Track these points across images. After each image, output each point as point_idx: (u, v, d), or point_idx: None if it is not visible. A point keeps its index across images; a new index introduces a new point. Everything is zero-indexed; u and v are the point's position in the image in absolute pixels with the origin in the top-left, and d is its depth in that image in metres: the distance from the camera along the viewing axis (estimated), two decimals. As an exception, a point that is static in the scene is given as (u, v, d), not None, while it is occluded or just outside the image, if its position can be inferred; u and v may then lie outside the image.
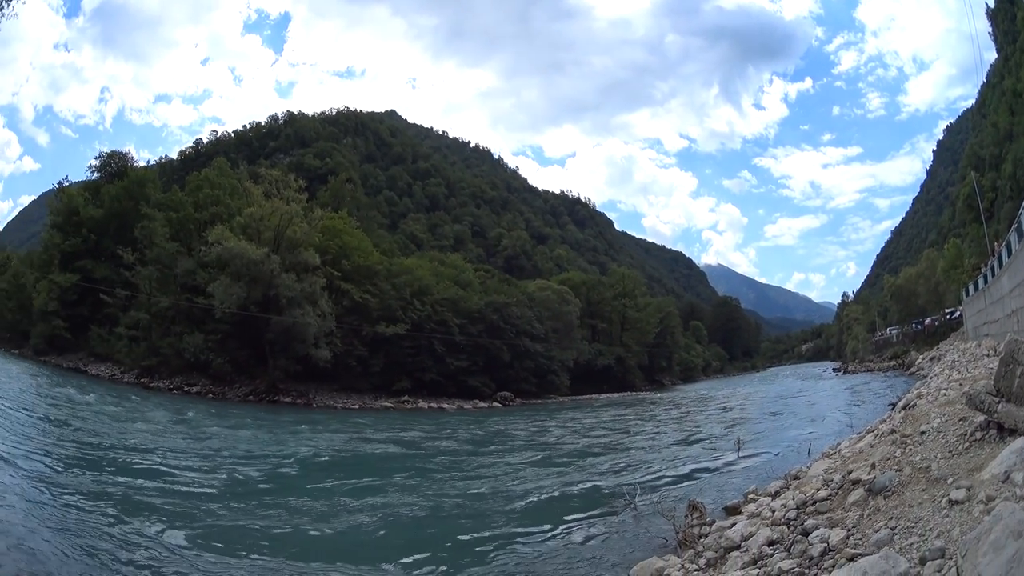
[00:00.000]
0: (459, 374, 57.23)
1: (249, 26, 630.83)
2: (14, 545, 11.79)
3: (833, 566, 7.83)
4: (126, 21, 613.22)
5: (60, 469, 19.09)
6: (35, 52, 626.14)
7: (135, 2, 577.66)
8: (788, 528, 10.22)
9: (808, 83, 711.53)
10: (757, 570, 8.96)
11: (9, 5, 16.39)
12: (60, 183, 76.68)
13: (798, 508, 11.01)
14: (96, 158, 72.51)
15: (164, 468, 20.86)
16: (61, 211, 66.45)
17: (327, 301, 53.01)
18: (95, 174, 71.12)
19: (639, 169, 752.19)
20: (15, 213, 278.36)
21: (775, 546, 9.69)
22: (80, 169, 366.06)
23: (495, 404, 56.65)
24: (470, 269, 77.91)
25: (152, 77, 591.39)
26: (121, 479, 18.70)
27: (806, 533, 9.34)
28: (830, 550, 8.38)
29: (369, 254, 61.55)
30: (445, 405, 53.52)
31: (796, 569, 8.32)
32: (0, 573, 10.69)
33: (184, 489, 18.19)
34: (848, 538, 8.48)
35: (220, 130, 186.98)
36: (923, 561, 6.71)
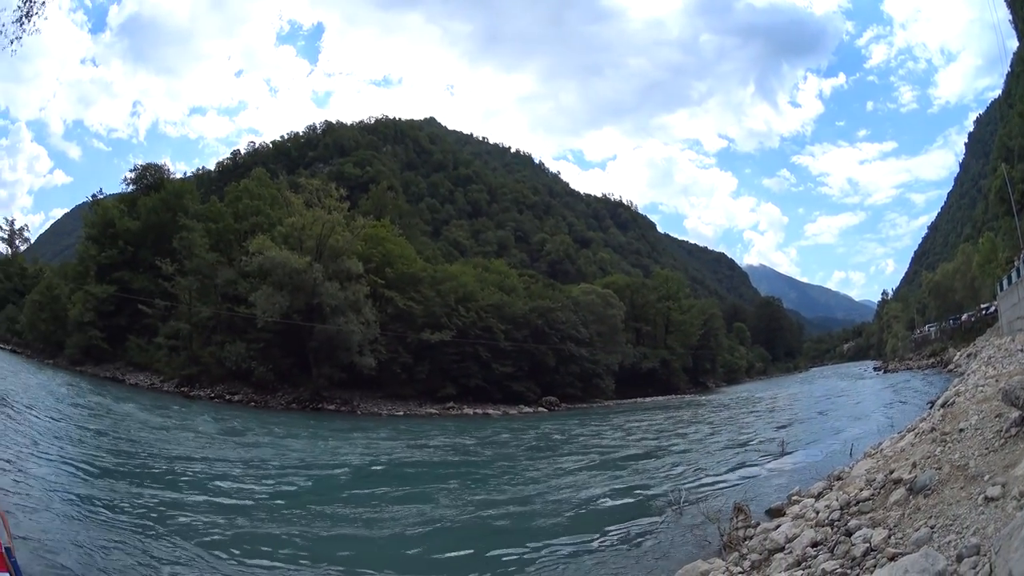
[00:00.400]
0: (504, 379, 57.50)
1: (282, 37, 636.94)
2: (56, 554, 12.22)
3: (875, 566, 7.91)
4: (155, 36, 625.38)
5: (105, 479, 19.74)
6: (61, 68, 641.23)
7: (163, 17, 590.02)
8: (832, 529, 10.31)
9: (842, 78, 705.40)
10: (801, 572, 9.09)
11: (30, 21, 16.16)
12: (94, 196, 78.32)
13: (841, 509, 11.08)
14: (131, 171, 73.85)
15: (210, 476, 21.51)
16: (96, 223, 67.69)
17: (371, 309, 53.54)
18: (130, 186, 72.48)
19: (679, 170, 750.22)
20: (47, 226, 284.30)
21: (819, 547, 9.77)
22: (114, 182, 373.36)
23: (540, 409, 56.91)
24: (514, 274, 78.54)
25: (185, 90, 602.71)
26: (166, 488, 19.31)
27: (849, 534, 9.44)
28: (872, 550, 8.47)
29: (413, 261, 62.15)
30: (490, 411, 53.88)
31: (839, 570, 8.40)
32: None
33: (228, 499, 18.62)
34: (889, 537, 8.57)
35: (258, 141, 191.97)
36: (960, 559, 6.80)
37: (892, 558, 7.70)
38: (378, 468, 25.23)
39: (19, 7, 15.91)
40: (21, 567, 9.40)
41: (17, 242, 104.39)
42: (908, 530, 8.49)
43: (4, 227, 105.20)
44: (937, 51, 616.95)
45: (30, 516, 14.42)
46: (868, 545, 8.60)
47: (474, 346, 56.63)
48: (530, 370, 59.47)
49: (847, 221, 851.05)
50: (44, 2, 16.19)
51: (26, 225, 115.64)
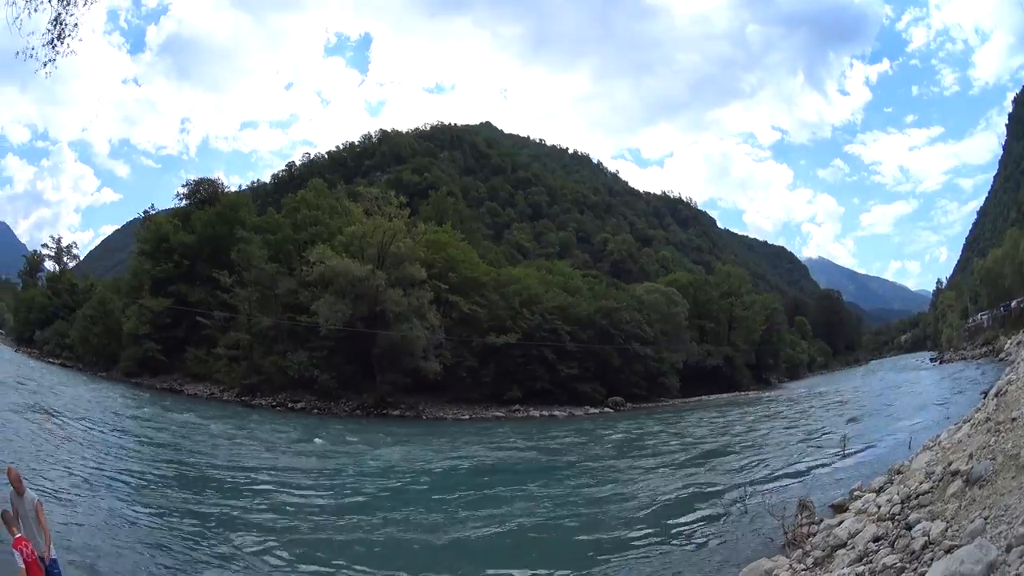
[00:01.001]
0: (570, 381, 58.10)
1: (330, 49, 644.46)
2: (111, 566, 13.17)
3: (932, 559, 8.13)
4: (198, 53, 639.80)
5: (171, 489, 20.84)
6: (101, 88, 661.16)
7: (205, 35, 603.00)
8: (892, 523, 10.61)
9: (886, 64, 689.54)
10: (862, 567, 9.35)
11: (62, 43, 16.01)
12: (146, 212, 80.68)
13: (902, 502, 11.42)
14: (183, 186, 76.15)
15: (280, 484, 22.59)
16: (150, 238, 69.99)
17: (435, 314, 54.61)
18: (183, 201, 74.52)
19: (736, 164, 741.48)
20: (96, 243, 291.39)
21: (880, 542, 10.07)
22: (165, 198, 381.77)
23: (606, 409, 57.60)
24: (578, 275, 79.36)
25: (234, 105, 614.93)
26: (234, 497, 20.40)
27: (909, 527, 9.71)
28: (931, 543, 8.70)
29: (476, 266, 63.11)
30: (556, 412, 54.64)
31: (899, 564, 8.69)
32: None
33: (301, 505, 19.58)
34: (947, 530, 8.79)
35: (312, 152, 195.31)
36: (1009, 548, 7.06)
37: (948, 551, 7.95)
38: (448, 472, 26.10)
39: (49, 29, 16.05)
40: None
41: (65, 259, 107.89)
42: (964, 522, 8.68)
43: (51, 245, 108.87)
44: (972, 31, 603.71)
45: (89, 528, 15.45)
46: (927, 538, 8.86)
47: (539, 348, 57.31)
48: (595, 371, 60.01)
49: (900, 210, 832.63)
50: (76, 24, 16.27)
51: (74, 243, 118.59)
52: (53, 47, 15.93)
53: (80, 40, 16.19)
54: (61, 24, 15.84)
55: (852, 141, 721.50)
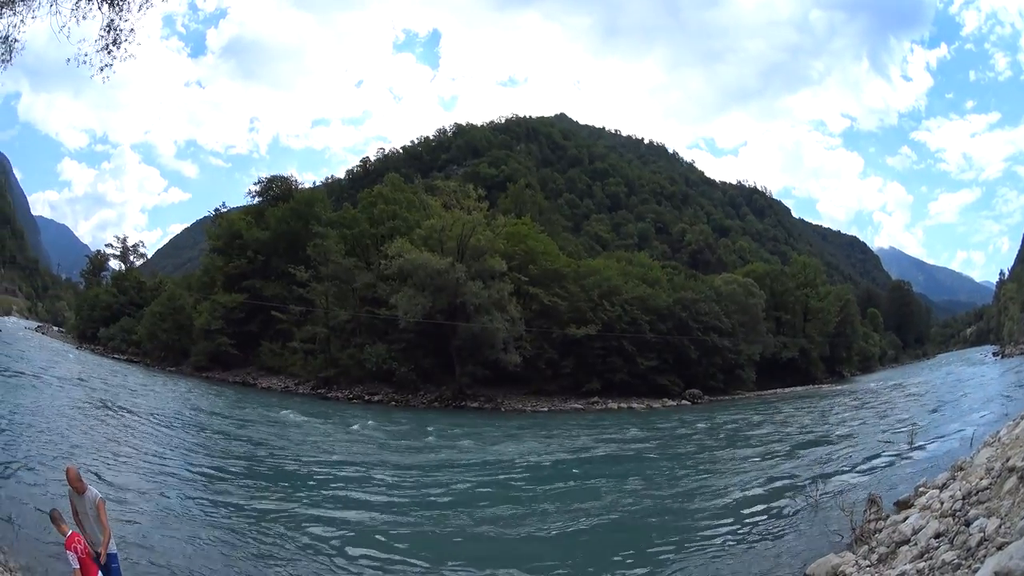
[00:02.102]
0: (648, 373, 58.73)
1: (399, 46, 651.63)
2: (181, 561, 13.97)
3: (986, 555, 8.41)
4: (262, 54, 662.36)
5: (252, 481, 22.27)
6: (163, 92, 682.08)
7: (268, 36, 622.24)
8: (953, 520, 10.86)
9: (944, 49, 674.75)
10: (923, 563, 9.72)
11: (118, 48, 17.02)
12: (216, 210, 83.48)
13: (963, 499, 11.68)
14: (255, 183, 78.99)
15: (367, 478, 23.44)
16: (222, 235, 72.93)
17: (516, 306, 55.52)
18: (256, 198, 77.42)
19: (808, 153, 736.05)
20: (164, 241, 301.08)
21: (940, 538, 10.36)
22: (235, 196, 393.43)
23: (683, 402, 58.25)
24: (657, 267, 79.64)
25: (304, 103, 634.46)
26: (323, 488, 21.61)
27: (968, 523, 9.98)
28: (985, 539, 8.99)
29: (555, 257, 63.96)
30: (635, 405, 55.43)
31: (956, 560, 8.99)
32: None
33: (386, 499, 20.39)
34: (1000, 527, 9.06)
35: (387, 147, 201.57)
36: None
37: (1000, 547, 8.23)
38: (529, 465, 26.75)
39: (102, 35, 16.87)
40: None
41: (132, 257, 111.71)
42: (1015, 519, 8.92)
43: (116, 244, 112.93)
44: (1017, 14, 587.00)
45: (159, 522, 16.36)
46: (982, 535, 9.13)
47: (619, 340, 57.99)
48: (673, 363, 60.59)
49: (965, 198, 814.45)
50: (133, 29, 17.18)
51: (141, 242, 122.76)
52: (109, 52, 16.98)
53: (139, 44, 17.33)
54: (115, 30, 16.92)
55: (917, 128, 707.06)
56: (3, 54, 17.02)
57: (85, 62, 16.98)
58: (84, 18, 16.56)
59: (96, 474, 18.91)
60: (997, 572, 7.31)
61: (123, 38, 17.02)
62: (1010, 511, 9.42)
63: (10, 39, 16.85)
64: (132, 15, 17.10)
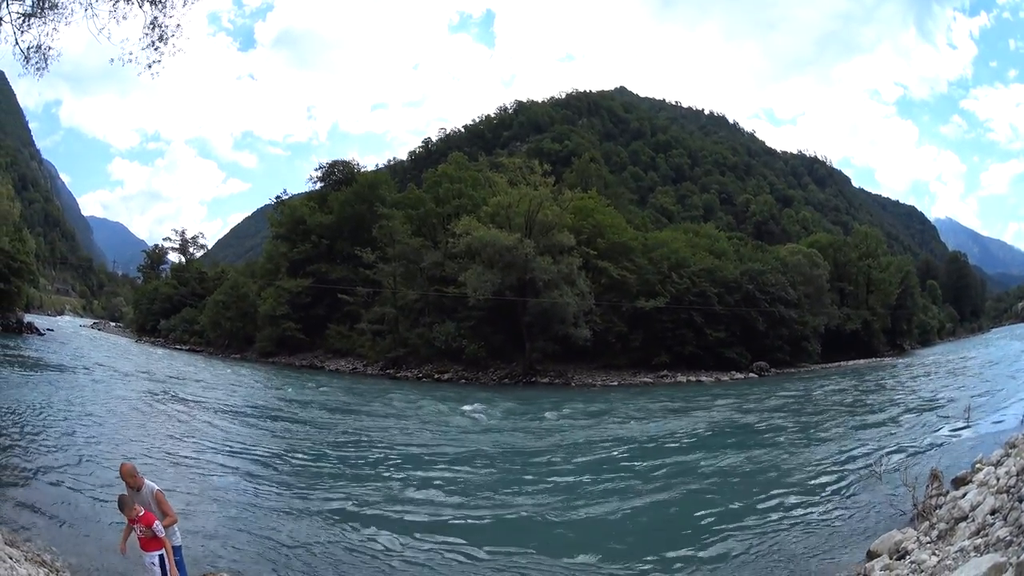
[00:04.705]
0: (717, 345, 58.72)
1: (454, 27, 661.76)
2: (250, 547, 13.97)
3: None
4: (314, 43, 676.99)
5: (336, 464, 22.21)
6: (214, 87, 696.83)
7: (319, 25, 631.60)
8: (1007, 496, 10.88)
9: (984, 17, 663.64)
10: (980, 540, 9.70)
11: (165, 44, 17.38)
12: (278, 197, 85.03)
13: (1017, 475, 11.73)
14: (317, 169, 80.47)
15: (453, 458, 23.31)
16: (285, 222, 74.44)
17: (585, 280, 55.87)
18: (317, 184, 78.85)
19: (864, 121, 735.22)
20: (225, 232, 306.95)
21: (996, 515, 10.36)
22: (296, 183, 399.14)
23: (751, 375, 58.32)
24: (724, 238, 79.66)
25: (361, 88, 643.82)
26: (410, 469, 21.36)
27: (1021, 500, 10.02)
28: None
29: (623, 230, 63.93)
30: (703, 378, 55.51)
31: (1008, 537, 8.97)
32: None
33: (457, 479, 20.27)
34: None
35: (448, 127, 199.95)
36: None
37: None
38: (588, 445, 26.33)
39: (146, 33, 17.24)
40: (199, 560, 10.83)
41: (192, 249, 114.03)
42: None
43: (174, 237, 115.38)
44: None
45: (221, 509, 16.36)
46: None
47: (688, 312, 57.97)
48: (741, 335, 60.54)
49: (1015, 169, 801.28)
50: (179, 24, 17.56)
51: (201, 233, 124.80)
52: (155, 49, 17.40)
53: (188, 39, 17.67)
54: (160, 27, 17.28)
55: (966, 96, 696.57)
56: (38, 62, 17.37)
57: (131, 61, 17.54)
58: (124, 18, 17.09)
59: (151, 464, 18.95)
60: None
61: (169, 34, 17.50)
62: None
63: (43, 47, 17.23)
64: (176, 11, 17.60)
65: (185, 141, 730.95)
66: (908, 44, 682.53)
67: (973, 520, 10.80)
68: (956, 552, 9.81)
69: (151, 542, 9.82)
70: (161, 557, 9.79)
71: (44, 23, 17.02)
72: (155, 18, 17.30)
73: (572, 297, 53.81)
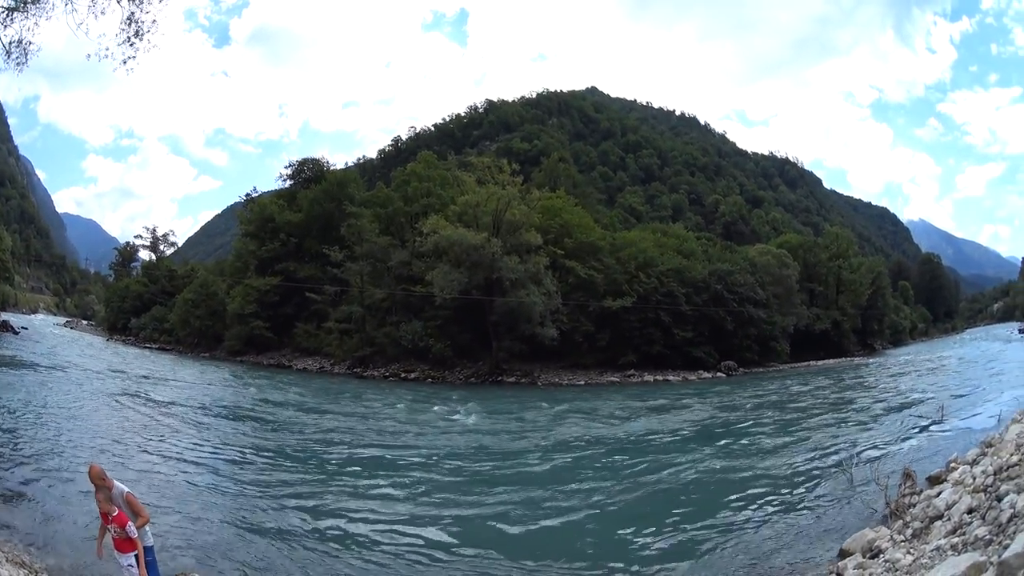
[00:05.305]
0: (684, 345, 58.52)
1: (428, 25, 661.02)
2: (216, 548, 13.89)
3: (1016, 531, 8.30)
4: (289, 40, 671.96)
5: (285, 463, 22.10)
6: (188, 84, 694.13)
7: (293, 22, 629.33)
8: (985, 495, 10.88)
9: (965, 22, 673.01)
10: (957, 539, 9.69)
11: (140, 40, 17.25)
12: (248, 195, 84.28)
13: (995, 474, 11.67)
14: (287, 167, 79.72)
15: (409, 455, 23.43)
16: (254, 220, 73.58)
17: (552, 280, 55.61)
18: (287, 182, 78.07)
19: (838, 123, 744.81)
20: (196, 229, 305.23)
21: (973, 514, 10.37)
22: (266, 181, 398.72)
23: (719, 374, 58.19)
24: (692, 238, 79.74)
25: (333, 86, 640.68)
26: (368, 468, 21.37)
27: (999, 499, 9.98)
28: (1016, 516, 8.95)
29: (591, 230, 63.77)
30: (671, 377, 55.31)
31: (987, 536, 8.98)
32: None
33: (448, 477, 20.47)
34: None
35: (418, 126, 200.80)
36: None
37: None
38: (556, 444, 26.31)
39: (123, 29, 17.13)
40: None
41: (162, 247, 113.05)
42: None
43: (145, 235, 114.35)
44: None
45: (194, 513, 16.04)
46: (1013, 511, 9.11)
47: (655, 312, 57.76)
48: (709, 335, 60.38)
49: (991, 172, 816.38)
50: (155, 20, 17.43)
51: (171, 231, 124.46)
52: (131, 44, 17.26)
53: (162, 35, 17.56)
54: (136, 23, 17.15)
55: (944, 100, 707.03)
56: (18, 58, 17.25)
57: (107, 56, 17.40)
58: (103, 13, 16.92)
59: (122, 465, 18.99)
60: None
61: (145, 29, 17.36)
62: None
63: (24, 42, 17.11)
64: (153, 6, 17.46)
65: (158, 138, 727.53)
66: (885, 47, 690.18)
67: (949, 519, 10.86)
68: (932, 551, 9.86)
69: (126, 543, 9.76)
70: (137, 558, 9.75)
71: (26, 17, 16.95)
72: (132, 13, 17.22)
73: (539, 296, 53.47)
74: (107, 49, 17.28)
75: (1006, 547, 7.80)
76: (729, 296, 62.27)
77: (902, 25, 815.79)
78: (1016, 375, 40.91)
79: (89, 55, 17.34)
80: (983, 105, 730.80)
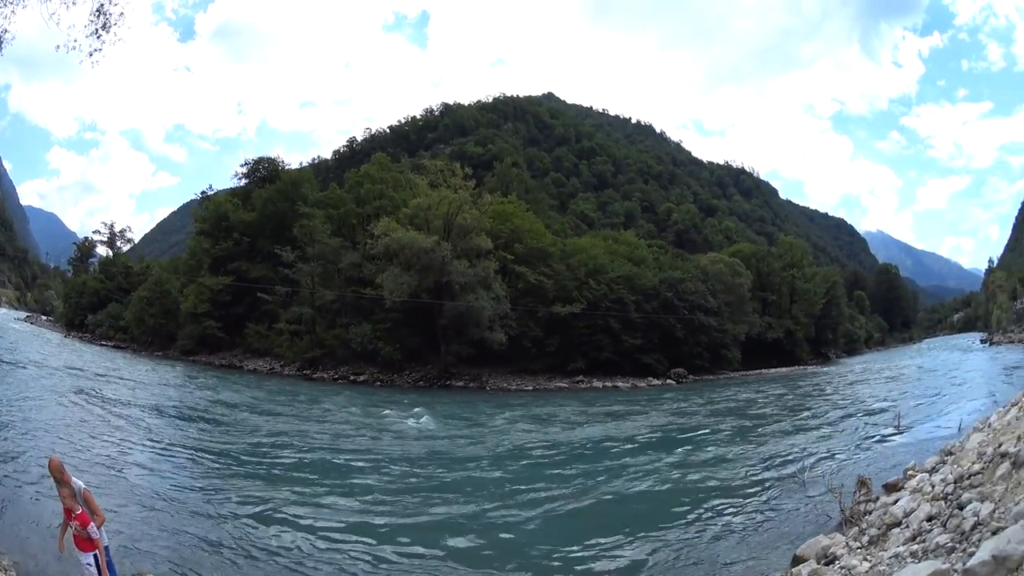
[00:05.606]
0: (633, 352, 58.46)
1: (388, 27, 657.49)
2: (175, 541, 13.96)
3: (981, 539, 8.23)
4: (252, 37, 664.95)
5: (223, 466, 21.64)
6: (151, 78, 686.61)
7: (258, 19, 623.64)
8: (945, 503, 10.71)
9: (936, 37, 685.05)
10: (916, 546, 9.51)
11: (108, 32, 16.90)
12: (204, 192, 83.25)
13: (955, 483, 11.40)
14: (242, 165, 78.67)
15: (360, 462, 22.94)
16: (208, 218, 72.50)
17: (501, 285, 55.32)
18: (242, 180, 77.09)
19: (796, 135, 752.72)
20: (152, 226, 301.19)
21: (933, 521, 10.16)
22: (223, 178, 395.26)
23: (668, 381, 58.02)
24: (643, 245, 79.55)
25: (292, 85, 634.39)
26: (303, 475, 20.81)
27: (961, 507, 9.77)
28: (979, 524, 8.81)
29: (542, 236, 63.65)
30: (620, 384, 55.19)
31: (950, 544, 8.81)
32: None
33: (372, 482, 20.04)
34: (994, 511, 8.90)
35: (374, 127, 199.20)
36: None
37: (995, 532, 8.11)
38: (506, 450, 26.09)
39: (92, 20, 16.73)
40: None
41: (119, 243, 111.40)
42: (1010, 504, 8.75)
43: (103, 231, 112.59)
44: (1013, 7, 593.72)
45: (144, 509, 16.03)
46: (976, 519, 8.97)
47: (604, 318, 57.78)
48: (659, 342, 60.28)
49: (955, 185, 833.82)
50: (122, 12, 17.06)
51: (128, 227, 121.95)
52: (98, 37, 16.84)
53: (129, 28, 17.26)
54: (104, 14, 16.73)
55: (908, 113, 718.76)
56: None
57: (75, 48, 16.92)
58: (74, 3, 16.49)
59: (75, 465, 17.97)
60: (995, 555, 7.31)
61: (112, 22, 16.93)
62: (1004, 496, 9.29)
63: (0, 30, 16.81)
64: None
65: (120, 132, 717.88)
66: (850, 61, 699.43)
67: (908, 526, 10.72)
68: (891, 557, 9.71)
69: (86, 543, 9.55)
70: (96, 558, 9.52)
71: (4, 6, 16.70)
72: (101, 4, 16.79)
73: (488, 301, 53.26)
74: (75, 40, 16.89)
75: (971, 555, 7.88)
76: (680, 304, 62.26)
77: (869, 39, 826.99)
78: (978, 384, 40.70)
79: (58, 46, 16.90)
80: (950, 119, 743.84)
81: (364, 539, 14.93)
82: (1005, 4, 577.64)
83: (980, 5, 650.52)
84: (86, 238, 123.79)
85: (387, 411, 36.20)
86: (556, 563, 13.97)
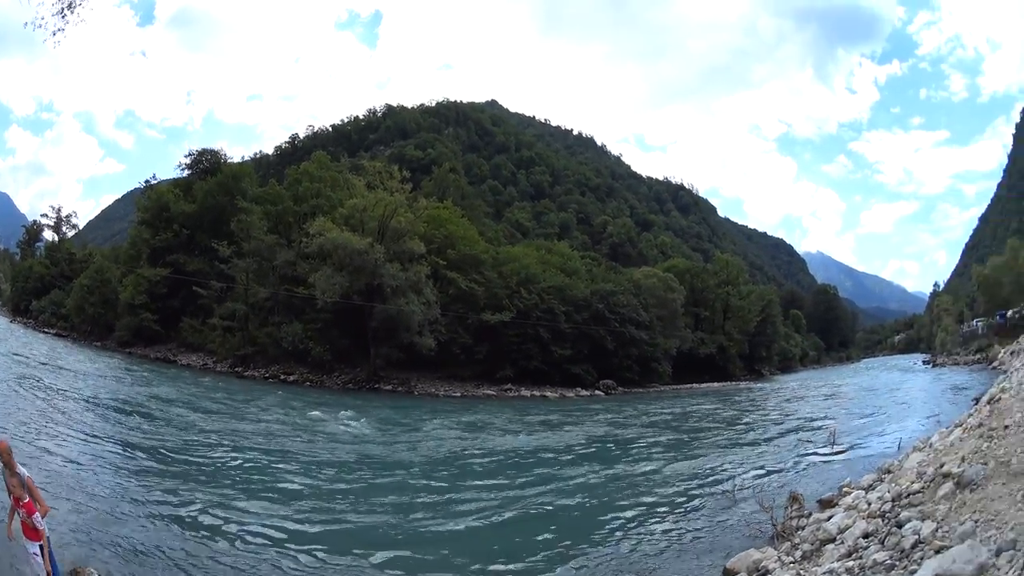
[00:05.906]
0: (563, 362, 58.71)
1: (341, 24, 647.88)
2: (103, 541, 13.41)
3: (923, 558, 8.41)
4: (207, 26, 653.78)
5: (150, 460, 21.36)
6: (108, 60, 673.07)
7: (216, 8, 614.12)
8: (883, 521, 10.90)
9: (896, 66, 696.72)
10: (852, 562, 9.63)
11: (72, 12, 16.55)
12: (147, 181, 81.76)
13: (893, 501, 11.75)
14: (186, 156, 77.44)
15: (284, 463, 22.68)
16: (150, 208, 71.14)
17: (432, 290, 55.28)
18: (185, 171, 76.03)
19: (740, 154, 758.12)
20: (97, 212, 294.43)
21: (870, 538, 10.34)
22: (168, 168, 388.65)
23: (597, 392, 58.37)
24: (576, 257, 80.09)
25: (241, 77, 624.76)
26: (227, 476, 20.53)
27: (900, 525, 10.02)
28: (921, 542, 9.02)
29: (475, 243, 63.66)
30: (548, 393, 55.38)
31: (889, 561, 8.96)
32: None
33: (293, 485, 19.72)
34: (937, 530, 9.16)
35: (317, 125, 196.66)
36: (998, 552, 7.46)
37: (939, 551, 8.29)
38: (437, 457, 25.97)
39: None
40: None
41: (64, 228, 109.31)
42: (954, 523, 8.99)
43: (51, 215, 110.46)
44: (984, 39, 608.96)
45: (79, 502, 15.65)
46: (917, 537, 9.19)
47: (534, 328, 57.93)
48: (589, 353, 60.61)
49: (902, 210, 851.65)
50: None
51: (74, 212, 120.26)
52: (63, 16, 16.40)
53: (92, 9, 16.89)
54: None
55: (857, 139, 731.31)
56: None
57: (41, 26, 16.59)
58: None
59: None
60: (939, 574, 7.51)
61: (77, 3, 16.60)
62: (948, 515, 9.55)
63: None
64: None
65: (73, 114, 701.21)
66: (801, 85, 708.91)
67: (842, 542, 10.82)
68: (824, 573, 9.83)
69: (32, 531, 9.52)
70: (42, 547, 9.53)
71: None
72: None
73: (418, 305, 53.13)
74: (42, 18, 16.56)
75: (912, 572, 8.13)
76: (611, 316, 62.57)
77: (823, 64, 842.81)
78: (920, 405, 40.91)
79: (26, 23, 16.62)
80: (901, 146, 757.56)
81: (290, 545, 14.74)
82: (975, 36, 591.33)
83: (947, 36, 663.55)
84: (34, 221, 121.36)
85: (318, 413, 35.84)
86: (481, 572, 13.95)
